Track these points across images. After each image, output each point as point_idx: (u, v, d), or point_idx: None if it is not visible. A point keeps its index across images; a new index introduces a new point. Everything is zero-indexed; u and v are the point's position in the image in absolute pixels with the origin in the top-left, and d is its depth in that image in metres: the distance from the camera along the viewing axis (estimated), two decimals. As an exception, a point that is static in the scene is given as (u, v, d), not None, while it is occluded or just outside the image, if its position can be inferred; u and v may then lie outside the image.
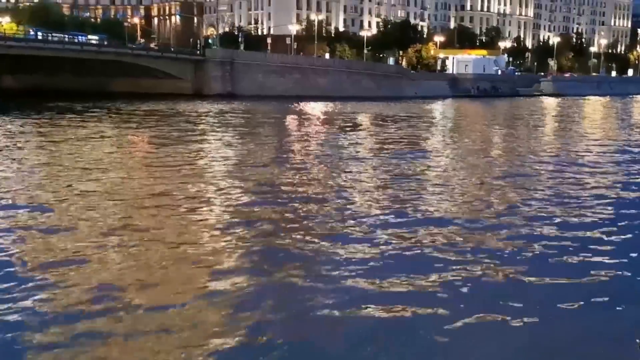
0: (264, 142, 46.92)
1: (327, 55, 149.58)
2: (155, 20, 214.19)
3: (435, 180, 32.35)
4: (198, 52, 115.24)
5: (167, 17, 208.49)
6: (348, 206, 24.76)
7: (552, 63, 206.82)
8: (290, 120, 68.98)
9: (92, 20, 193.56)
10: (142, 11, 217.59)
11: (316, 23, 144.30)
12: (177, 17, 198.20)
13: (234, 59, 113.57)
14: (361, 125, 65.79)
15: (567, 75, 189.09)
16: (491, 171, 35.91)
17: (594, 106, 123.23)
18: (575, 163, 39.75)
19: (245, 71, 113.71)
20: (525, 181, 32.36)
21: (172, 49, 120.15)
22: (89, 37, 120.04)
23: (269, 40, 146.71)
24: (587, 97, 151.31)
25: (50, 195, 25.49)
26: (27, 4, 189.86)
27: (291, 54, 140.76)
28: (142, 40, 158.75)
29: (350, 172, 33.89)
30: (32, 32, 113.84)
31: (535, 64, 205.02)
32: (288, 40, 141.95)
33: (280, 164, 35.84)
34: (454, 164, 38.12)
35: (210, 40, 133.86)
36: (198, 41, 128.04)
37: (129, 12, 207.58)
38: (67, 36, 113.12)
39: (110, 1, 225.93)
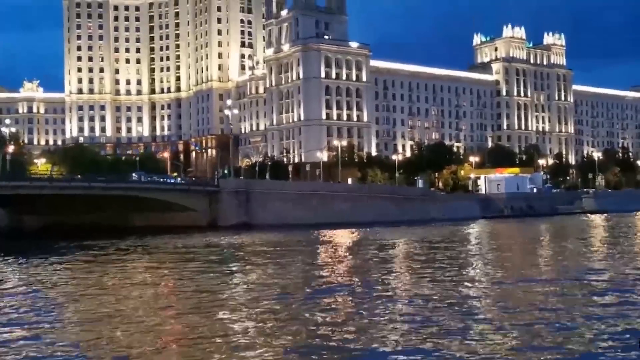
0: (282, 280, 43.08)
1: (349, 180, 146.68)
2: (193, 153, 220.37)
3: (475, 317, 29.26)
4: (212, 183, 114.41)
5: (204, 150, 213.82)
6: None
7: (599, 178, 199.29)
8: (310, 252, 63.81)
9: (134, 157, 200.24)
10: (180, 146, 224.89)
11: (339, 149, 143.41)
12: (213, 150, 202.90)
13: (250, 188, 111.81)
14: (384, 255, 59.07)
15: (609, 190, 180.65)
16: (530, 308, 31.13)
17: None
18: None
19: (262, 200, 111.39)
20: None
21: (184, 181, 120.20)
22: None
23: (290, 168, 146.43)
24: (635, 213, 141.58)
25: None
26: (70, 144, 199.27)
27: (319, 180, 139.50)
28: (175, 174, 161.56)
29: (381, 312, 30.92)
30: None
31: (579, 180, 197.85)
32: (308, 167, 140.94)
33: (309, 302, 33.72)
34: (492, 299, 34.11)
35: (225, 171, 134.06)
36: (216, 172, 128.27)
37: (168, 147, 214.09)
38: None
39: (152, 138, 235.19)
